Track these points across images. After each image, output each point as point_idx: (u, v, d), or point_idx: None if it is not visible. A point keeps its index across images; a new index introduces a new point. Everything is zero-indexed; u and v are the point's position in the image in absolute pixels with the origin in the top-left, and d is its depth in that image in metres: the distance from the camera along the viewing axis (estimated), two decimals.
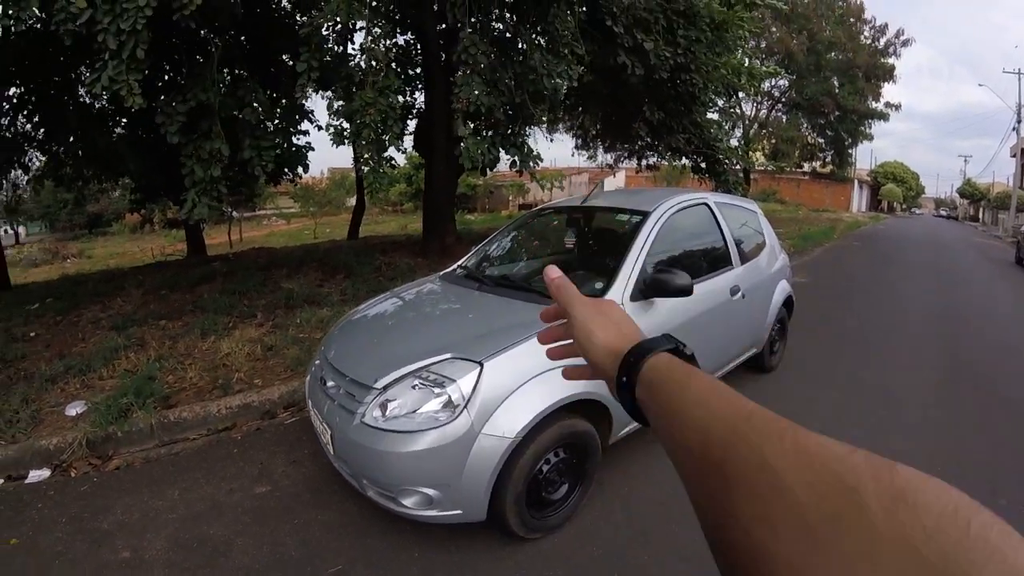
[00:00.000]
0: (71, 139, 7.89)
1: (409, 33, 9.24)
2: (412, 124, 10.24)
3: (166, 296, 6.60)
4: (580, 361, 0.67)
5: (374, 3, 5.30)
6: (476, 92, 5.24)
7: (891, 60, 27.82)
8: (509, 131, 6.27)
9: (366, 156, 5.26)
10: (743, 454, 0.36)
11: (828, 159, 31.47)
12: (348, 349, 2.88)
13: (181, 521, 2.73)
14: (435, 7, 7.00)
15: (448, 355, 2.37)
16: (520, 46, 6.13)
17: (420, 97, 10.18)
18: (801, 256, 12.07)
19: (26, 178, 9.39)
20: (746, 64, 11.35)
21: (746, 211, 4.51)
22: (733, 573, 0.35)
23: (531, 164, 6.34)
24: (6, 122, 7.89)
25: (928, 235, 22.66)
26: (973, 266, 12.91)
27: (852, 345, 5.52)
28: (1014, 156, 30.12)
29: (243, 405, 3.79)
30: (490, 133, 6.24)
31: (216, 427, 3.68)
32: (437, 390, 2.25)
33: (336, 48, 5.93)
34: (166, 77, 6.76)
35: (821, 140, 29.36)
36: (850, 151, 31.38)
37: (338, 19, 5.00)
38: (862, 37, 27.33)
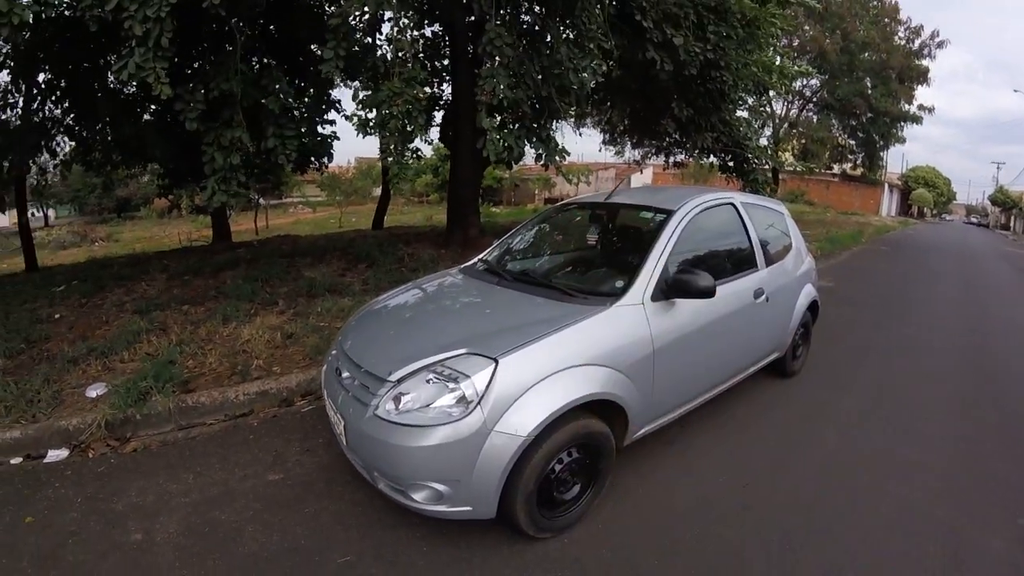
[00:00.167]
0: (100, 125, 8.01)
1: (437, 25, 9.23)
2: (439, 116, 10.26)
3: (190, 281, 6.66)
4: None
5: None
6: (501, 85, 5.19)
7: (925, 62, 27.14)
8: (535, 125, 6.22)
9: (391, 147, 5.25)
10: None
11: (859, 161, 30.78)
12: (364, 340, 2.86)
13: (194, 505, 2.75)
14: None
15: (463, 350, 2.34)
16: (547, 39, 6.06)
17: (447, 89, 10.17)
18: (827, 260, 11.81)
19: (53, 162, 9.56)
20: (777, 62, 11.13)
21: (773, 212, 4.41)
22: None
23: (557, 158, 6.28)
24: (35, 107, 8.04)
25: (958, 242, 22.10)
26: (1003, 277, 12.51)
27: (876, 353, 5.38)
28: None
29: (261, 392, 3.81)
30: (516, 126, 6.19)
31: (233, 413, 3.69)
32: (451, 385, 2.22)
33: (364, 39, 5.92)
34: (195, 65, 6.83)
35: (852, 142, 28.74)
36: (881, 154, 30.71)
37: (367, 9, 4.99)
38: (896, 38, 26.64)
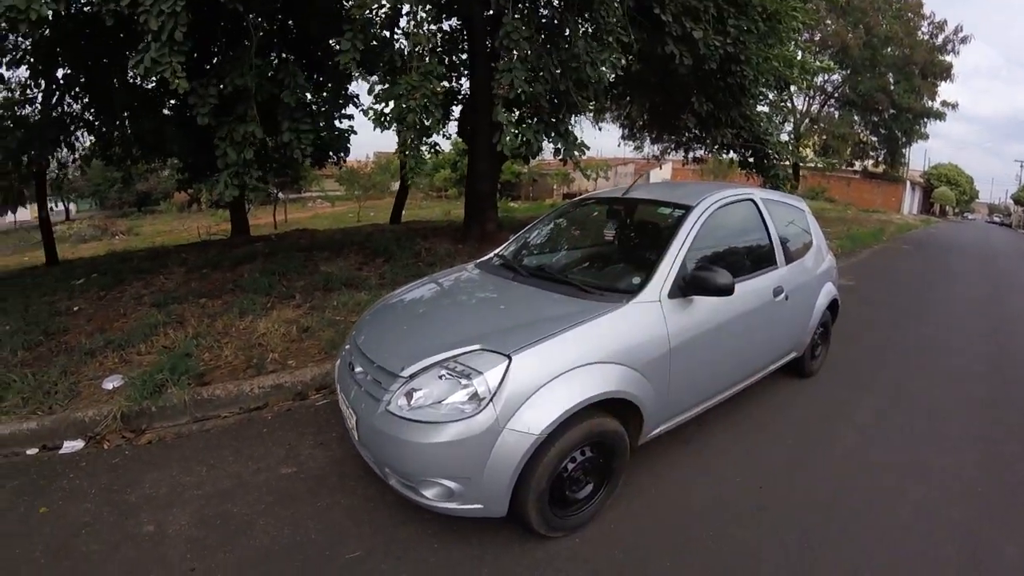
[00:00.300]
0: (118, 120, 8.09)
1: (455, 19, 9.19)
2: (457, 111, 10.24)
3: (208, 275, 6.72)
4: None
5: None
6: (518, 79, 5.14)
7: (949, 58, 26.62)
8: (554, 119, 6.16)
9: (408, 140, 5.22)
10: None
11: (880, 158, 30.30)
12: (378, 335, 2.85)
13: (206, 498, 2.76)
14: None
15: (477, 346, 2.31)
16: (565, 33, 6.00)
17: (465, 84, 10.15)
18: (848, 258, 11.62)
19: (72, 157, 9.69)
20: (799, 57, 10.94)
21: (793, 209, 4.32)
22: None
23: (576, 152, 6.22)
24: (54, 102, 8.14)
25: (980, 242, 21.63)
26: None
27: (895, 352, 5.26)
28: None
29: (275, 385, 3.82)
30: (534, 120, 6.14)
31: (248, 406, 3.71)
32: (464, 382, 2.20)
33: (382, 32, 5.90)
34: (215, 60, 6.87)
35: (874, 138, 28.29)
36: (903, 150, 30.20)
37: (385, 2, 4.97)
38: (919, 33, 26.16)
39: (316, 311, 5.08)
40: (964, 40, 26.65)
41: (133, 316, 5.09)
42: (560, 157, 6.33)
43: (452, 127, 10.85)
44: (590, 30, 6.20)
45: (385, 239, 8.73)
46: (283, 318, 4.84)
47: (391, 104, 5.14)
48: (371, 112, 5.32)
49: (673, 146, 14.16)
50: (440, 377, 2.26)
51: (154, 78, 4.49)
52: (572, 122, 6.58)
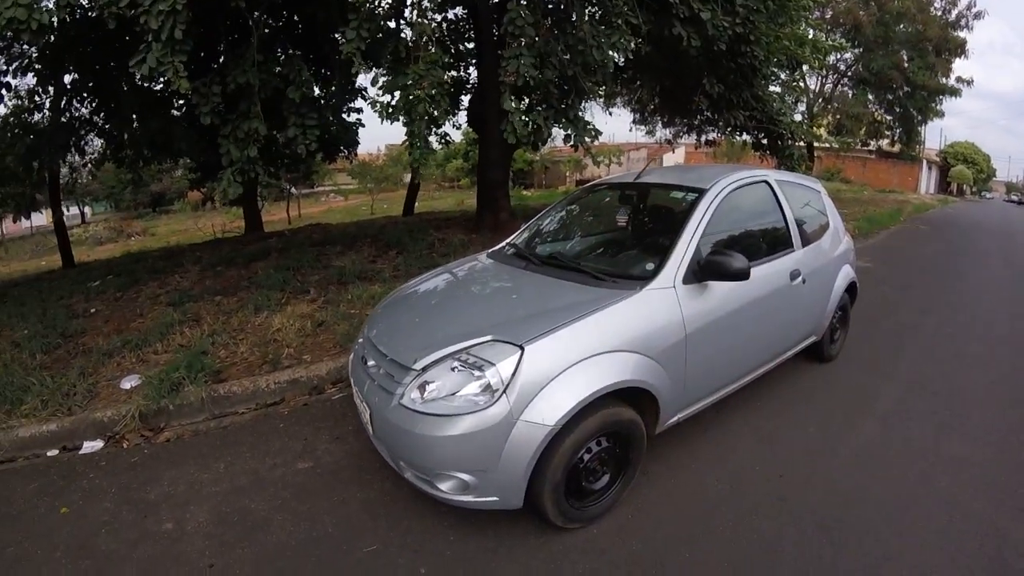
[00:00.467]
0: (128, 122, 8.13)
1: (461, 7, 9.13)
2: (466, 100, 10.21)
3: (222, 272, 6.76)
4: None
5: None
6: (524, 65, 5.08)
7: (962, 34, 25.98)
8: (563, 105, 6.09)
9: (417, 130, 5.18)
10: None
11: (896, 137, 29.74)
12: (390, 328, 2.83)
13: (224, 494, 2.77)
14: None
15: (489, 337, 2.28)
16: (572, 18, 5.91)
17: (474, 73, 10.09)
18: (865, 239, 11.45)
19: (83, 161, 9.78)
20: (810, 35, 10.73)
21: (809, 190, 4.23)
22: None
23: (587, 138, 6.14)
24: (62, 106, 8.20)
25: (999, 221, 21.15)
26: None
27: (917, 336, 5.15)
28: None
29: (291, 380, 3.83)
30: (543, 107, 6.08)
31: (264, 402, 3.72)
32: (476, 373, 2.17)
33: (387, 23, 5.85)
34: (221, 59, 6.87)
35: (889, 117, 27.77)
36: (919, 129, 29.61)
37: None
38: (932, 8, 25.56)
39: (330, 305, 5.09)
40: (978, 16, 25.96)
41: (149, 316, 5.13)
42: (571, 144, 6.26)
43: (462, 116, 10.84)
44: (597, 14, 6.10)
45: (398, 231, 8.73)
46: (298, 313, 4.85)
47: (396, 95, 5.11)
48: (377, 104, 5.29)
49: (685, 129, 13.97)
50: (452, 369, 2.23)
51: (161, 79, 4.49)
52: (582, 107, 6.48)
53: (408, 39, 5.39)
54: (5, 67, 7.23)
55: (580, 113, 6.27)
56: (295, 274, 6.23)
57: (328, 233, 9.75)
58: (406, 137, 5.24)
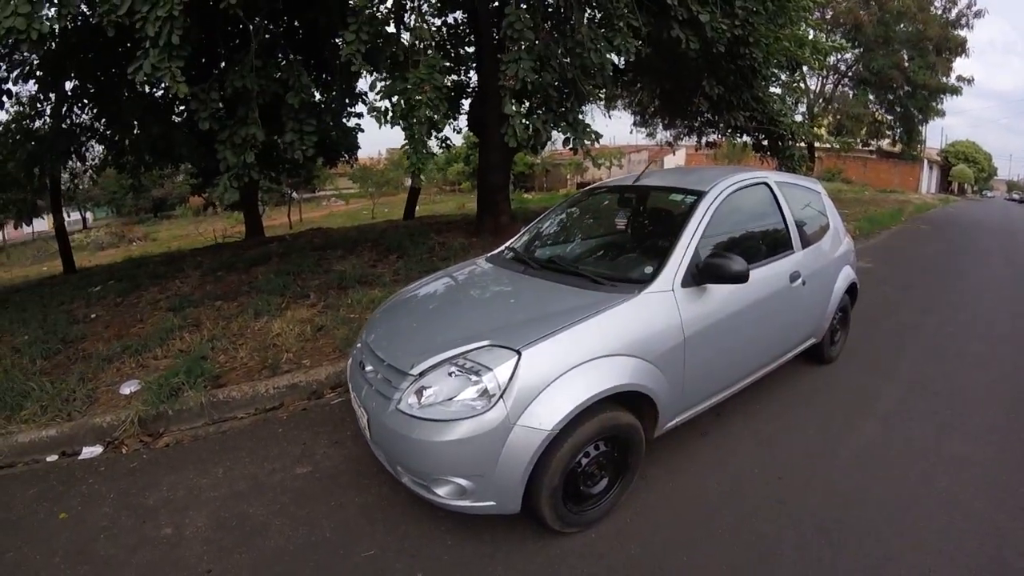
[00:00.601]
0: (129, 128, 8.15)
1: (460, 11, 9.14)
2: (467, 104, 10.23)
3: (222, 277, 6.76)
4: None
5: None
6: (523, 68, 5.08)
7: (963, 32, 25.97)
8: (562, 108, 6.09)
9: (417, 135, 5.17)
10: None
11: (897, 136, 29.70)
12: (387, 333, 2.83)
13: (223, 500, 2.77)
14: None
15: (486, 342, 2.28)
16: (571, 21, 5.91)
17: (474, 77, 10.10)
18: (866, 240, 11.42)
19: (84, 167, 9.81)
20: (810, 36, 10.73)
21: (809, 191, 4.22)
22: None
23: (587, 141, 6.13)
24: (63, 113, 8.23)
25: (1000, 220, 21.08)
26: None
27: (918, 338, 5.12)
28: None
29: (290, 385, 3.83)
30: (543, 111, 6.08)
31: (264, 406, 3.72)
32: (473, 378, 2.17)
33: (386, 28, 5.86)
34: (223, 64, 6.90)
35: (890, 117, 27.75)
36: (920, 128, 29.57)
37: None
38: (932, 7, 25.55)
39: (330, 309, 5.09)
40: (978, 14, 25.96)
41: (150, 321, 5.13)
42: (570, 147, 6.25)
43: (463, 121, 10.86)
44: (597, 16, 6.10)
45: (399, 235, 8.74)
46: (297, 318, 4.85)
47: (394, 99, 5.11)
48: (374, 109, 5.29)
49: (686, 131, 13.98)
50: (450, 374, 2.23)
51: (162, 86, 4.51)
52: (581, 111, 6.48)
53: (407, 43, 5.39)
54: (6, 74, 7.25)
55: (580, 116, 6.26)
56: (295, 279, 6.24)
57: (329, 237, 9.77)
58: (405, 142, 5.24)
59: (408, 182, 18.05)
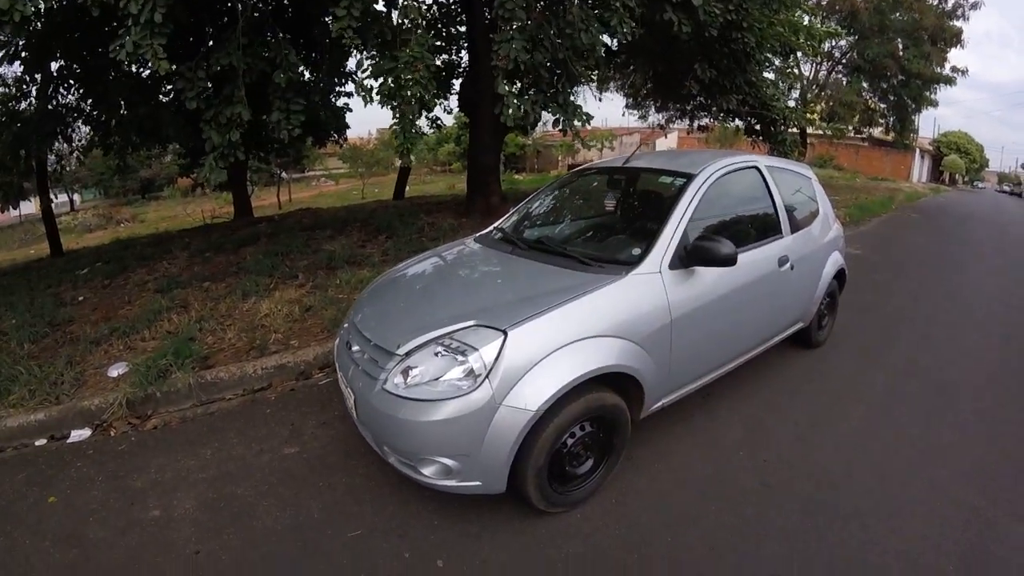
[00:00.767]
0: (116, 108, 8.03)
1: None
2: (457, 84, 10.12)
3: (211, 258, 6.72)
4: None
5: None
6: (516, 48, 5.02)
7: (958, 23, 25.91)
8: (553, 89, 6.04)
9: (409, 115, 5.11)
10: None
11: (889, 125, 29.72)
12: (374, 313, 2.82)
13: (211, 481, 2.77)
14: None
15: (472, 322, 2.28)
16: (563, 2, 5.84)
17: (465, 56, 10.00)
18: (856, 227, 11.46)
19: (70, 149, 9.68)
20: (805, 22, 10.67)
21: (800, 176, 4.23)
22: None
23: (577, 122, 6.07)
24: (49, 94, 8.10)
25: (990, 210, 21.21)
26: None
27: (906, 324, 5.17)
28: None
29: (279, 366, 3.82)
30: (532, 92, 6.02)
31: (252, 387, 3.71)
32: (459, 358, 2.17)
33: (375, 5, 5.76)
34: (210, 43, 6.79)
35: (883, 105, 27.73)
36: (913, 117, 29.59)
37: None
38: None
39: (319, 290, 5.07)
40: (974, 6, 25.89)
41: (137, 303, 5.10)
42: (560, 128, 6.21)
43: (454, 101, 10.76)
44: None
45: (388, 215, 8.69)
46: (286, 298, 4.83)
47: (382, 79, 5.04)
48: (362, 88, 5.22)
49: (678, 114, 13.91)
50: (436, 354, 2.23)
51: (148, 65, 4.44)
52: (573, 92, 6.42)
53: (395, 22, 5.31)
54: None
55: (571, 98, 6.20)
56: (284, 259, 6.20)
57: (318, 218, 9.70)
58: (394, 122, 5.18)
59: (398, 162, 17.94)
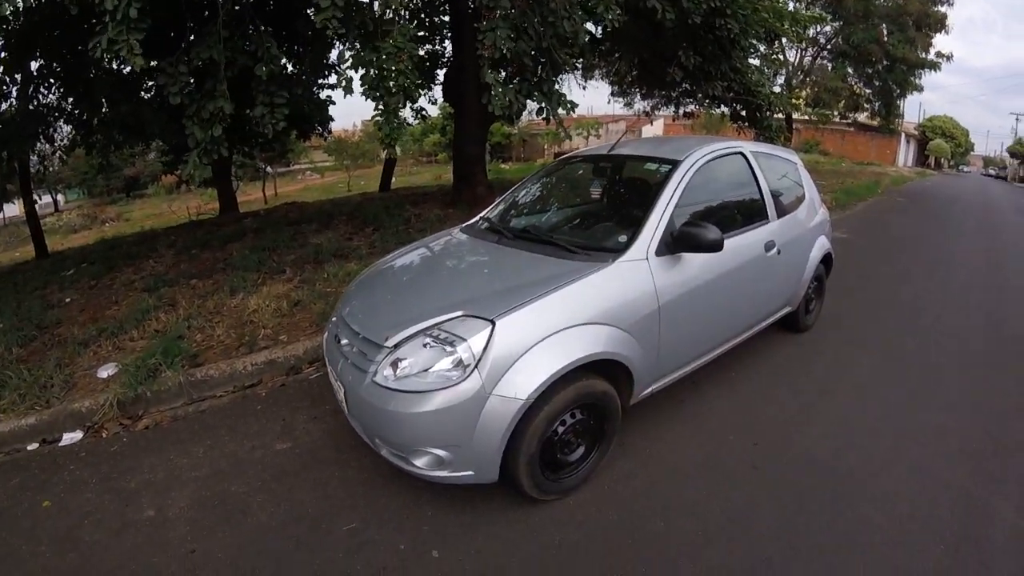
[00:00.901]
0: (98, 107, 7.93)
1: None
2: (442, 74, 10.06)
3: (197, 255, 6.67)
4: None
5: None
6: (500, 37, 4.99)
7: (943, 8, 26.05)
8: (536, 78, 6.02)
9: (393, 106, 5.07)
10: None
11: (875, 110, 29.87)
12: (362, 306, 2.82)
13: (204, 479, 2.76)
14: None
15: (460, 313, 2.28)
16: None
17: (449, 46, 9.93)
18: (842, 211, 11.54)
19: (52, 149, 9.56)
20: (790, 7, 10.68)
21: (785, 162, 4.25)
22: None
23: (561, 110, 6.05)
24: (30, 94, 7.98)
25: (976, 194, 21.45)
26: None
27: (892, 308, 5.22)
28: None
29: (268, 361, 3.81)
30: (516, 81, 6.00)
31: (242, 384, 3.70)
32: (448, 349, 2.17)
33: None
34: (191, 38, 6.69)
35: (868, 90, 27.85)
36: (898, 102, 29.74)
37: None
38: None
39: (307, 284, 5.06)
40: None
41: (125, 303, 5.05)
42: (543, 116, 6.19)
43: (438, 91, 10.70)
44: None
45: (374, 208, 8.65)
46: (274, 293, 4.80)
47: (363, 70, 5.00)
48: (344, 79, 5.18)
49: (663, 101, 13.89)
50: (424, 345, 2.23)
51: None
52: (556, 80, 6.39)
53: (378, 12, 5.26)
54: None
55: (555, 86, 6.18)
56: (271, 254, 6.17)
57: (304, 211, 9.65)
58: (376, 112, 5.13)
59: (384, 154, 17.86)
